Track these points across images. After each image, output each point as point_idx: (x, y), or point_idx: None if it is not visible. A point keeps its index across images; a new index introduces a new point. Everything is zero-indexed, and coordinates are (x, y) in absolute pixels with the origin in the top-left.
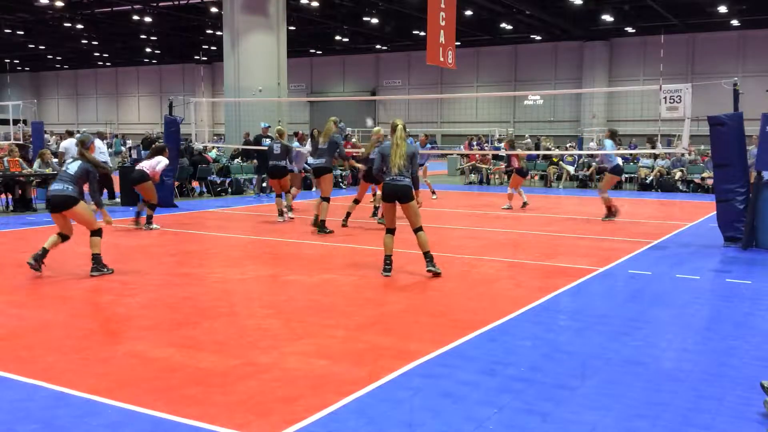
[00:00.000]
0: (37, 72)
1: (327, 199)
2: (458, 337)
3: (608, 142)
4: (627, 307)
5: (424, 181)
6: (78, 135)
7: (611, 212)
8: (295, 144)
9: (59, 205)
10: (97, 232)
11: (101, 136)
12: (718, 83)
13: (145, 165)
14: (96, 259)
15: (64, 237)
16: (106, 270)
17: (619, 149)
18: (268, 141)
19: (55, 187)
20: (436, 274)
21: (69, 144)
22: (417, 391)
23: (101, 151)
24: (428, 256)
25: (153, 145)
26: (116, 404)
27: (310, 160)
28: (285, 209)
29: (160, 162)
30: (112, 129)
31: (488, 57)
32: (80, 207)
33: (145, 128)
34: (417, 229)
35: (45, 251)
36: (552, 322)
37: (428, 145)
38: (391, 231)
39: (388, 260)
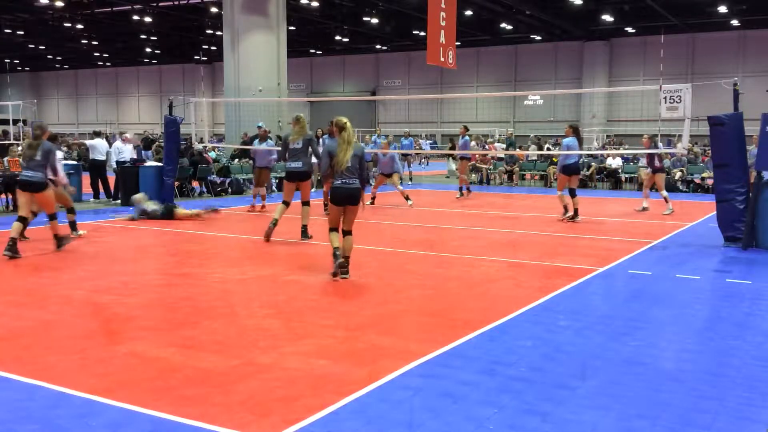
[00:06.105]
0: (37, 72)
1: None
2: (458, 337)
3: (569, 140)
4: (627, 307)
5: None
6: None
7: (566, 211)
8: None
9: None
10: None
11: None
12: (718, 83)
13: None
14: None
15: None
16: None
17: (582, 148)
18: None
19: None
20: (343, 277)
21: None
22: (417, 391)
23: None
24: (347, 262)
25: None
26: (116, 404)
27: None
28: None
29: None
30: (112, 129)
31: (488, 57)
32: None
33: (145, 128)
34: (349, 232)
35: None
36: (552, 322)
37: (393, 146)
38: (336, 230)
39: (338, 251)
